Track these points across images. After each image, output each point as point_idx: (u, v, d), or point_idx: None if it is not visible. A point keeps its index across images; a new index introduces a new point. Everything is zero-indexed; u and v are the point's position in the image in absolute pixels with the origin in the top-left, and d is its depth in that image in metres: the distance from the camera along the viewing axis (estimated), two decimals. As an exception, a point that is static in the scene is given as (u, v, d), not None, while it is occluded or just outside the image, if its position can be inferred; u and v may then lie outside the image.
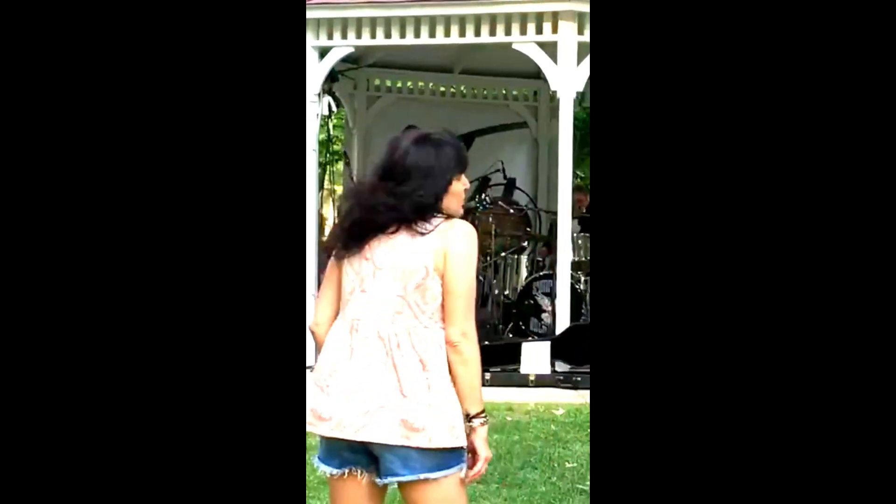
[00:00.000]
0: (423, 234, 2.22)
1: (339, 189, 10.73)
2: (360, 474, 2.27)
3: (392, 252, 2.23)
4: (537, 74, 7.67)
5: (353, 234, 2.27)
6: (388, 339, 2.22)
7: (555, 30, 6.47)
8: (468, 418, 2.23)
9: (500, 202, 7.67)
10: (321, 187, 8.36)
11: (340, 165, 10.00)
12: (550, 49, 6.53)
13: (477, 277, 2.33)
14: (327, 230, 11.75)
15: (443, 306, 2.23)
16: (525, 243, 7.78)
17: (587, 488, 4.18)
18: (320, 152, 7.29)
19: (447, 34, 6.68)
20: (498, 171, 7.98)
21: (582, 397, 5.63)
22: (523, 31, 6.55)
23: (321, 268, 7.76)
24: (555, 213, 7.06)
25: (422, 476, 2.20)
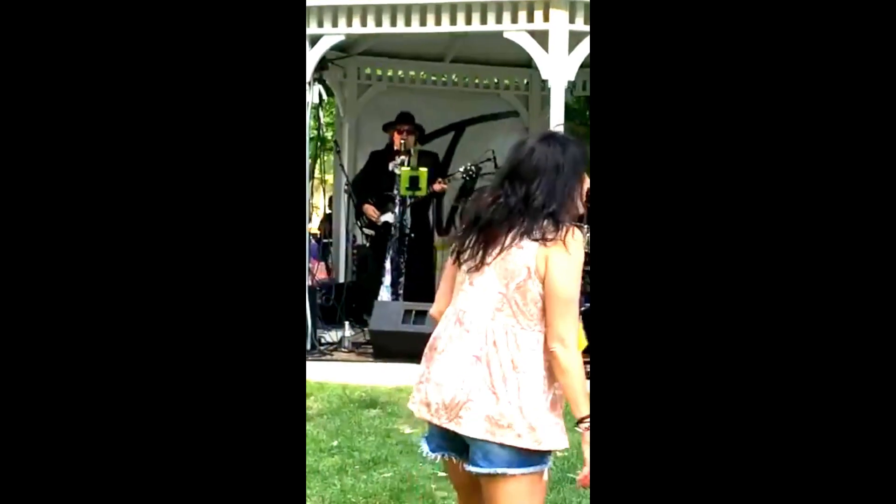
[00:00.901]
0: (531, 235, 2.25)
1: (330, 179, 10.68)
2: (455, 460, 2.35)
3: (501, 250, 2.28)
4: (528, 63, 7.66)
5: (481, 243, 2.32)
6: (486, 336, 2.26)
7: (546, 18, 6.46)
8: (576, 423, 2.27)
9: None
10: (311, 177, 8.32)
11: (331, 155, 9.95)
12: (541, 38, 6.51)
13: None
14: (316, 220, 11.70)
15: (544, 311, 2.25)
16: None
17: (577, 476, 4.18)
18: (310, 141, 7.26)
19: (438, 22, 6.66)
20: (489, 160, 7.96)
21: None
22: (514, 20, 6.53)
23: (311, 255, 7.76)
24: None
25: (499, 471, 2.25)
